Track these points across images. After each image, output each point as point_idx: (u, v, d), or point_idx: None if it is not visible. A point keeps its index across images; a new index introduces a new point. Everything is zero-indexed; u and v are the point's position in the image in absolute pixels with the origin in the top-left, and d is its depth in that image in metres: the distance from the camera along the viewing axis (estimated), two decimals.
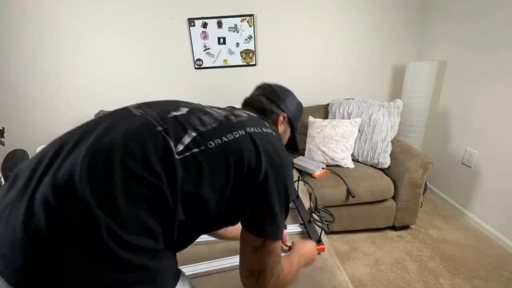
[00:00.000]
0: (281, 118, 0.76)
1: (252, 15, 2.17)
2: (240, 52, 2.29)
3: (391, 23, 2.24)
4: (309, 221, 1.09)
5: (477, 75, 1.78)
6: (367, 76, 2.40)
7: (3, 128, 1.97)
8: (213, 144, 0.53)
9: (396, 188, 1.71)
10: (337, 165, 1.84)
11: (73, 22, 2.17)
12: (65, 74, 2.32)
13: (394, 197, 1.75)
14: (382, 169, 1.82)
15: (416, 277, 1.48)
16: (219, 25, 2.20)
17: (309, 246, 0.88)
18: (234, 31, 2.22)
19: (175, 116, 0.56)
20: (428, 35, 2.22)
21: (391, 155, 1.80)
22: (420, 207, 1.78)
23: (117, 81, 2.37)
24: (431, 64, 1.98)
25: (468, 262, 1.56)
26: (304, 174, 1.82)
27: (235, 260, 0.91)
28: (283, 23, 2.22)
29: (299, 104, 0.84)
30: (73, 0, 2.11)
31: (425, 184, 1.92)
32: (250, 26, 2.20)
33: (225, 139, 0.55)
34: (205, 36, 2.23)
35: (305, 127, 2.08)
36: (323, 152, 1.86)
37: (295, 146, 0.86)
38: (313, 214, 1.23)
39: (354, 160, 1.91)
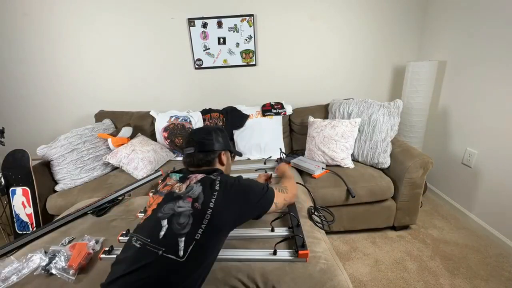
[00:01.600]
0: (221, 155, 1.04)
1: (252, 15, 2.17)
2: (240, 52, 2.29)
3: (391, 23, 2.24)
4: (298, 225, 1.09)
5: (477, 75, 1.78)
6: (367, 76, 2.41)
7: (3, 128, 1.97)
8: (199, 235, 0.77)
9: (396, 188, 1.71)
10: (337, 165, 1.84)
11: (74, 22, 2.17)
12: (65, 74, 2.32)
13: (394, 197, 1.75)
14: (382, 169, 1.82)
15: (416, 277, 1.48)
16: (219, 25, 2.20)
17: (282, 168, 1.43)
18: (234, 31, 2.22)
19: (164, 234, 0.77)
20: (428, 35, 2.22)
21: (391, 155, 1.80)
22: (420, 207, 1.78)
23: (117, 81, 2.37)
24: (431, 64, 1.98)
25: (468, 262, 1.56)
26: (304, 174, 1.82)
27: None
28: (283, 23, 2.23)
29: (216, 130, 1.07)
30: (73, 1, 2.11)
31: (425, 184, 1.92)
32: (250, 26, 2.20)
33: (203, 225, 0.79)
34: (205, 36, 2.23)
35: (305, 127, 2.08)
36: (323, 152, 1.86)
37: (236, 153, 1.23)
38: (313, 215, 1.23)
39: (354, 160, 1.91)
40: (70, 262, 0.95)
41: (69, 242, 1.12)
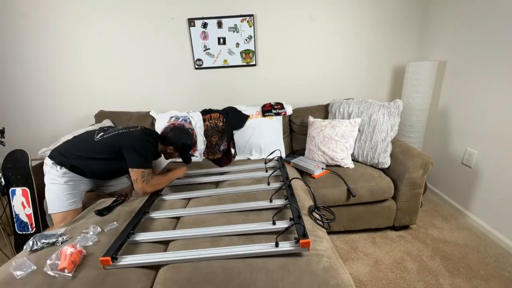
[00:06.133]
0: (169, 148, 1.55)
1: (252, 15, 2.17)
2: (240, 52, 2.29)
3: (391, 23, 2.24)
4: (298, 216, 1.10)
5: (477, 75, 1.78)
6: (367, 76, 2.41)
7: (3, 128, 1.96)
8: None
9: (396, 188, 1.71)
10: (337, 165, 1.84)
11: (74, 23, 2.17)
12: (65, 75, 2.32)
13: (394, 197, 1.75)
14: (382, 169, 1.82)
15: (416, 277, 1.48)
16: (219, 25, 2.20)
17: (180, 169, 1.67)
18: (234, 31, 2.22)
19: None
20: (428, 35, 2.22)
21: (391, 155, 1.80)
22: (420, 207, 1.78)
23: (117, 81, 2.37)
24: (431, 64, 1.98)
25: (468, 262, 1.56)
26: (304, 174, 1.82)
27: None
28: (283, 23, 2.23)
29: (181, 138, 1.54)
30: (73, 1, 2.11)
31: (425, 184, 1.92)
32: (250, 26, 2.20)
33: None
34: (205, 36, 2.23)
35: (305, 127, 2.08)
36: (323, 152, 1.86)
37: (184, 159, 1.63)
38: (313, 213, 1.24)
39: (354, 160, 1.91)
40: (60, 266, 0.96)
41: (63, 242, 1.13)
